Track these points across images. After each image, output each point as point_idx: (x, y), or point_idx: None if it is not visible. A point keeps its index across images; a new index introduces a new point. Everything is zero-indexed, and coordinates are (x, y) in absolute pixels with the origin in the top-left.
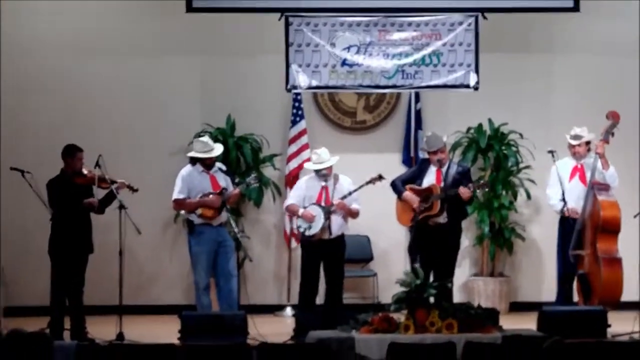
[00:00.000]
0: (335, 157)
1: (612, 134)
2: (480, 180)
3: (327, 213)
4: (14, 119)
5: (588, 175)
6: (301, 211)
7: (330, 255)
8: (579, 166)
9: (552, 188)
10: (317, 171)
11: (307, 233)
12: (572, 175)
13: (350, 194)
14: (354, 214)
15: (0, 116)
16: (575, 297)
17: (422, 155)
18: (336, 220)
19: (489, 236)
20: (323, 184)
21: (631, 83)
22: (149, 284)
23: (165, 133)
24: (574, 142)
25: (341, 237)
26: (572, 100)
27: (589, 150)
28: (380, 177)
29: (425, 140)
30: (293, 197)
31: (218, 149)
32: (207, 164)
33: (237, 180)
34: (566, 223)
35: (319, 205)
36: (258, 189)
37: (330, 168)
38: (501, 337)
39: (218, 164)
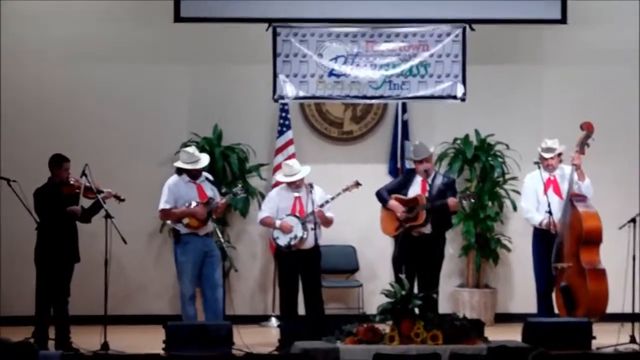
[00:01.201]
0: (306, 167)
1: (588, 145)
2: (467, 192)
3: (304, 223)
4: (1, 128)
5: (562, 186)
6: (278, 222)
7: (306, 266)
8: (552, 178)
9: (527, 201)
10: (289, 183)
11: (292, 243)
12: (546, 188)
13: (327, 202)
14: (330, 223)
15: None
16: (555, 310)
17: (409, 165)
18: (312, 229)
19: (474, 247)
20: (296, 194)
21: (619, 93)
22: (135, 294)
23: (152, 142)
24: (547, 155)
25: (316, 247)
26: (559, 111)
27: (560, 161)
28: (357, 184)
29: (413, 149)
30: (266, 209)
31: (204, 160)
32: (192, 174)
33: (223, 190)
34: (542, 236)
35: (295, 215)
36: (244, 199)
37: (302, 179)
38: (486, 349)
39: (205, 174)
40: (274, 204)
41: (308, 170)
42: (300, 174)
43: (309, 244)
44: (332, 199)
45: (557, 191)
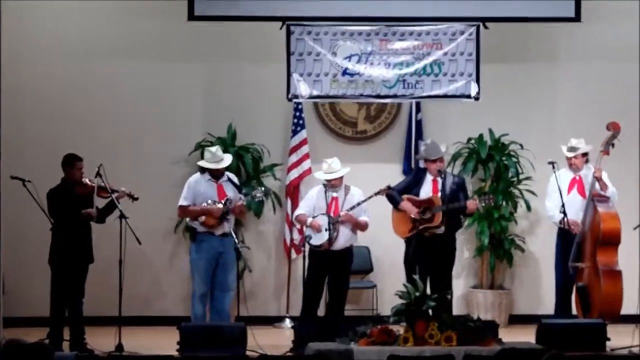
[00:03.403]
0: (346, 167)
1: (613, 145)
2: (484, 194)
3: (333, 224)
4: (15, 126)
5: (586, 187)
6: (309, 220)
7: (335, 267)
8: (577, 178)
9: (551, 200)
10: (327, 181)
11: (311, 242)
12: (570, 188)
13: (358, 204)
14: (362, 227)
15: (0, 123)
16: (574, 310)
17: (422, 164)
18: (344, 232)
19: (488, 247)
20: (334, 194)
21: (634, 91)
22: (149, 295)
23: (166, 142)
24: (569, 155)
25: (349, 250)
26: (574, 111)
27: (586, 161)
28: (389, 188)
29: (425, 149)
30: (303, 207)
31: (227, 160)
32: (214, 174)
33: (244, 191)
34: (565, 235)
35: (328, 215)
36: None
37: (340, 179)
38: (500, 350)
39: (229, 174)
40: (312, 203)
41: (347, 170)
42: (338, 173)
43: (339, 245)
44: (363, 201)
45: (582, 191)
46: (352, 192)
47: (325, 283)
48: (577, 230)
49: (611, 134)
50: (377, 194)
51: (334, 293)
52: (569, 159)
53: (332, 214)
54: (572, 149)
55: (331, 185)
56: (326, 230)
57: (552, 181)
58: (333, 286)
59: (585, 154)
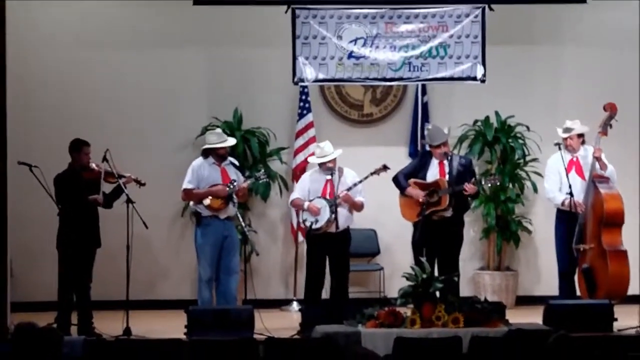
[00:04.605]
0: (338, 150)
1: (610, 126)
2: (491, 174)
3: (333, 206)
4: (21, 113)
5: (585, 168)
6: (306, 204)
7: (335, 249)
8: (575, 159)
9: (550, 181)
10: (320, 164)
11: (314, 226)
12: (568, 169)
13: (355, 185)
14: (359, 207)
15: (7, 110)
16: (577, 292)
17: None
18: (342, 213)
19: (495, 229)
20: (328, 177)
21: (638, 74)
22: (157, 279)
23: (172, 127)
24: (563, 135)
25: (346, 231)
26: (580, 93)
27: (583, 142)
28: (385, 168)
29: (428, 134)
30: (297, 191)
31: (232, 139)
32: (221, 154)
33: (246, 174)
34: (566, 217)
35: (325, 198)
36: (265, 183)
37: (334, 161)
38: (507, 331)
39: (230, 158)
40: (306, 186)
41: (339, 153)
42: (331, 155)
43: (339, 227)
44: (360, 182)
45: (580, 172)
46: (345, 174)
47: (326, 266)
48: (581, 210)
49: (608, 115)
50: (373, 173)
51: (337, 275)
52: (564, 140)
53: (327, 196)
54: (567, 129)
55: (326, 168)
56: (330, 212)
57: (551, 163)
58: (335, 269)
59: (580, 135)
